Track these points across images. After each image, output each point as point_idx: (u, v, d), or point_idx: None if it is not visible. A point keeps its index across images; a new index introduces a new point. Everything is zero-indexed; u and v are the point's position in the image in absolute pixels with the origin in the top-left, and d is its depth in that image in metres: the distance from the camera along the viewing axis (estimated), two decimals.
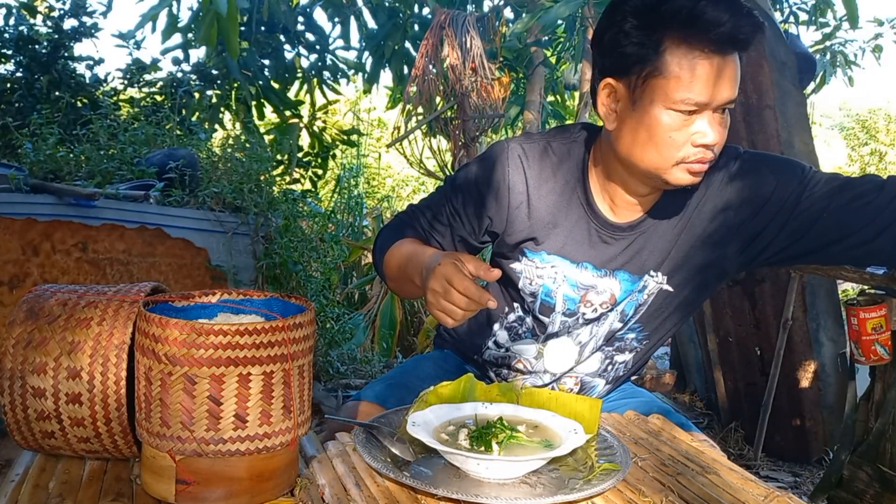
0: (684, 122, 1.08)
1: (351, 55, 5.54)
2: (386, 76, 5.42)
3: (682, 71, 1.06)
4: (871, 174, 1.20)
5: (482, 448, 0.99)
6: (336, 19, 5.21)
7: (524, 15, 4.04)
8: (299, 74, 5.49)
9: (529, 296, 1.32)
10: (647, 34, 1.07)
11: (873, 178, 1.17)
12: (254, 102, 5.30)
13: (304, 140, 5.77)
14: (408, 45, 5.06)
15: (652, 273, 1.26)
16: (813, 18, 5.32)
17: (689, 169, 1.11)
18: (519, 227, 1.26)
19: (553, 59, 5.60)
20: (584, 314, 1.29)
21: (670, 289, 1.27)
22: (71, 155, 3.58)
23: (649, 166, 1.13)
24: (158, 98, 5.30)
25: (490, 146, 1.32)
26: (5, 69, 5.17)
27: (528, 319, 1.35)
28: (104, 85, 5.39)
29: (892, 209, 1.13)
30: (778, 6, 5.11)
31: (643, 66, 1.08)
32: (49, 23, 5.20)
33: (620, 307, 1.29)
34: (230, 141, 4.39)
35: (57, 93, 4.81)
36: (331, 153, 5.95)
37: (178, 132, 4.39)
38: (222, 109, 5.41)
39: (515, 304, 1.36)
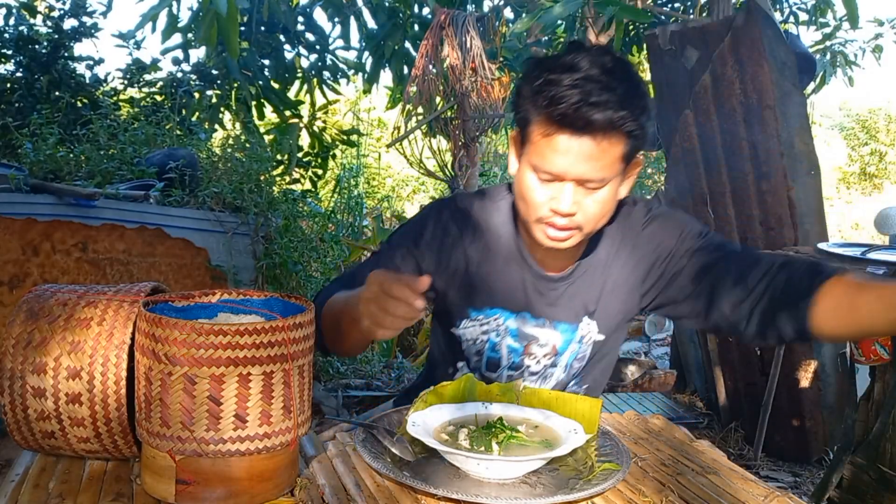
0: (543, 185, 1.16)
1: (351, 55, 5.53)
2: (386, 76, 5.42)
3: (539, 140, 1.14)
4: (763, 253, 1.25)
5: (482, 448, 0.99)
6: (336, 19, 5.20)
7: (524, 15, 4.04)
8: (299, 74, 5.48)
9: (475, 354, 1.35)
10: (531, 102, 1.15)
11: (758, 256, 1.22)
12: (254, 102, 5.29)
13: (304, 140, 5.77)
14: (408, 45, 5.06)
15: (586, 320, 1.32)
16: (813, 18, 5.32)
17: (545, 231, 1.19)
18: (458, 281, 1.31)
19: None
20: (528, 367, 1.33)
21: (602, 337, 1.34)
22: (71, 155, 3.58)
23: (521, 217, 1.24)
24: (158, 98, 5.30)
25: (425, 206, 1.38)
26: (5, 69, 5.17)
27: (476, 377, 1.34)
28: (104, 85, 5.39)
29: (755, 289, 1.18)
30: (778, 6, 5.11)
31: (523, 127, 1.18)
32: (49, 23, 5.20)
33: (563, 359, 1.34)
34: (230, 141, 4.39)
35: (57, 93, 4.81)
36: (331, 153, 5.94)
37: (178, 132, 4.39)
38: (222, 109, 5.41)
39: (460, 364, 1.38)
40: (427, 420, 1.05)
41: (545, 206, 1.16)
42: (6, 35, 5.04)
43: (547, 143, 1.13)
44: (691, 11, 4.58)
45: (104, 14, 5.30)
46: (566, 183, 1.14)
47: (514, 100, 1.21)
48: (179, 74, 5.37)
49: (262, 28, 5.10)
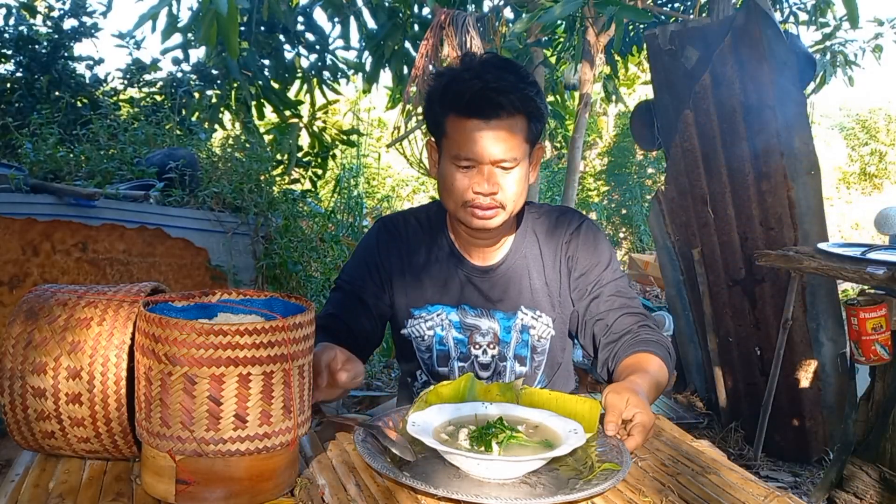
0: (464, 173, 1.31)
1: (351, 55, 5.53)
2: (386, 76, 5.42)
3: (454, 132, 1.30)
4: (641, 317, 1.39)
5: (482, 448, 0.99)
6: (336, 19, 5.20)
7: (524, 15, 4.04)
8: (299, 74, 5.48)
9: (426, 352, 1.47)
10: (440, 104, 1.32)
11: (633, 323, 1.37)
12: (254, 102, 5.29)
13: (304, 140, 5.77)
14: (408, 45, 5.05)
15: (524, 309, 1.44)
16: (813, 18, 5.32)
17: (473, 212, 1.33)
18: (401, 288, 1.46)
19: (553, 59, 5.59)
20: (476, 357, 1.46)
21: (553, 332, 1.45)
22: (71, 155, 3.58)
23: (449, 209, 1.38)
24: (158, 98, 5.30)
25: (365, 235, 1.54)
26: (5, 69, 5.17)
27: (432, 381, 1.45)
28: (104, 85, 5.39)
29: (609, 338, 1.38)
30: (778, 6, 5.11)
31: (438, 129, 1.34)
32: (49, 23, 5.20)
33: (510, 350, 1.44)
34: (230, 141, 4.39)
35: (57, 93, 4.81)
36: (331, 153, 5.94)
37: (178, 132, 4.39)
38: (222, 109, 5.40)
39: (418, 372, 1.51)
40: (427, 420, 1.05)
41: (468, 191, 1.31)
42: (6, 35, 5.04)
43: (462, 132, 1.28)
44: (691, 11, 4.58)
45: (104, 14, 5.31)
46: (484, 166, 1.29)
47: (426, 110, 1.38)
48: (179, 74, 5.37)
49: (262, 28, 5.10)
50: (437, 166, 1.38)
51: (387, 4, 5.03)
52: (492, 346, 1.44)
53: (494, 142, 1.28)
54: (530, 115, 1.30)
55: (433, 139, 1.39)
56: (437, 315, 1.45)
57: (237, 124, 5.47)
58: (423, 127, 4.36)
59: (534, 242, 1.46)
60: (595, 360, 1.44)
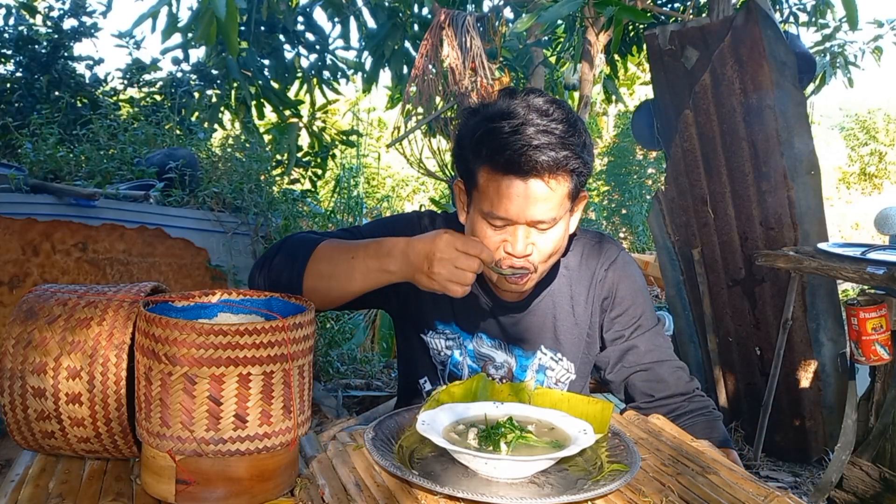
0: (496, 230, 1.20)
1: (351, 55, 5.54)
2: (386, 76, 5.42)
3: (486, 187, 1.18)
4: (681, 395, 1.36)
5: (491, 448, 0.99)
6: (336, 19, 5.21)
7: (524, 15, 4.03)
8: (299, 74, 5.48)
9: (440, 364, 1.40)
10: (472, 152, 1.19)
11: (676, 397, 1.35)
12: (253, 102, 5.29)
13: (304, 140, 5.77)
14: (407, 44, 5.06)
15: (544, 349, 1.38)
16: (813, 20, 5.32)
17: (502, 280, 1.25)
18: (426, 297, 1.32)
19: (553, 59, 5.59)
20: None
21: (575, 377, 1.40)
22: (71, 155, 3.58)
23: None
24: (158, 98, 5.30)
25: (402, 213, 1.42)
26: (5, 69, 5.17)
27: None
28: (104, 85, 5.40)
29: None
30: (778, 6, 5.10)
31: (469, 177, 1.22)
32: (49, 23, 5.20)
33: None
34: (230, 141, 4.40)
35: (57, 93, 4.81)
36: (330, 153, 5.95)
37: (178, 132, 4.39)
38: (222, 109, 5.41)
39: (422, 380, 1.43)
40: (437, 419, 1.05)
41: (499, 250, 1.21)
42: (6, 35, 5.04)
43: (495, 190, 1.16)
44: (692, 12, 4.58)
45: (104, 14, 5.31)
46: (518, 226, 1.18)
47: (456, 151, 1.25)
48: (179, 74, 5.38)
49: (262, 28, 5.10)
50: (465, 211, 1.27)
51: (387, 4, 5.03)
52: (505, 380, 1.38)
53: (532, 202, 1.15)
54: (575, 171, 1.16)
55: (462, 182, 1.26)
56: (457, 337, 1.39)
57: (237, 124, 5.48)
58: (424, 127, 4.37)
59: (563, 276, 1.37)
60: (624, 398, 1.41)
